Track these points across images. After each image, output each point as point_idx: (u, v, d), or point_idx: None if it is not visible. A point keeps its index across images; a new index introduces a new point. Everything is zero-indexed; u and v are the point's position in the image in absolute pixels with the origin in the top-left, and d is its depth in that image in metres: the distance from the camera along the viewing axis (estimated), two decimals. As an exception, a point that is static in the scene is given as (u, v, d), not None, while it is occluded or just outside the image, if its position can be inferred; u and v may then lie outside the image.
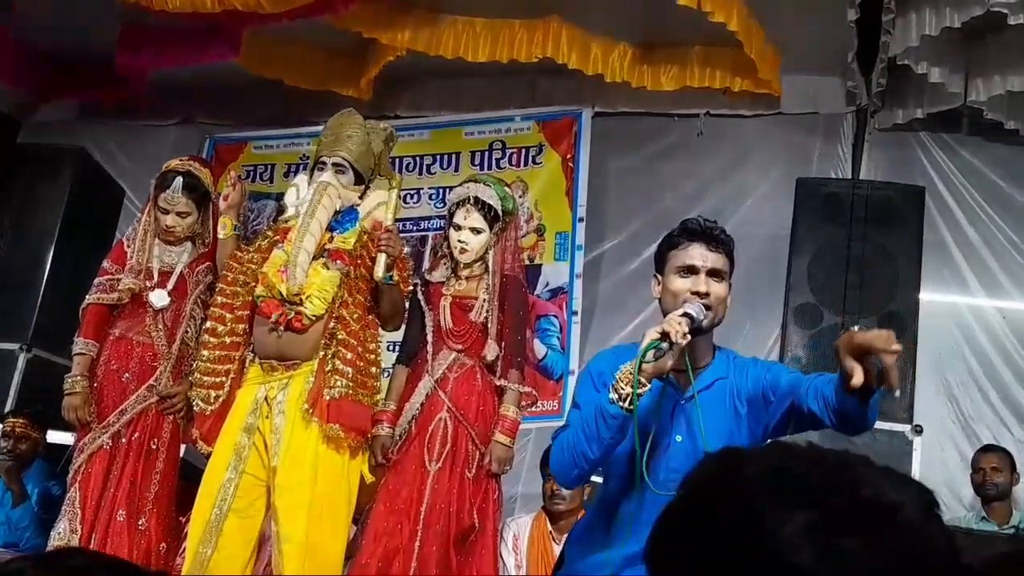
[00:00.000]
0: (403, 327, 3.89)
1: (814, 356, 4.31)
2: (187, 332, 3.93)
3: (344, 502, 3.44)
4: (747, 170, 5.81)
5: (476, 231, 3.72)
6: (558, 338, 5.41)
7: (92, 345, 3.89)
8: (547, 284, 5.59)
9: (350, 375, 3.44)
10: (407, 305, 3.83)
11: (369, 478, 3.56)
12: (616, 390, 2.29)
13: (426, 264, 5.48)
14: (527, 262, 5.26)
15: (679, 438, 2.44)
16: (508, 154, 5.95)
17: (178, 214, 3.98)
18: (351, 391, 3.43)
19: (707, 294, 2.43)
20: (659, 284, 2.56)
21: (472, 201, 3.73)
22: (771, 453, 0.93)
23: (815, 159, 5.64)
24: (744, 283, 5.37)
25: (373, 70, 5.87)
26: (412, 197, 5.96)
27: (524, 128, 5.95)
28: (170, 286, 3.96)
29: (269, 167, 6.47)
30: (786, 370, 2.51)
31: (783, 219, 4.81)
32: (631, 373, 2.27)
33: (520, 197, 5.64)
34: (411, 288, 3.82)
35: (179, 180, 3.96)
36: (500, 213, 3.75)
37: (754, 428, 2.43)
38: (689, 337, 2.30)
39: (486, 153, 6.01)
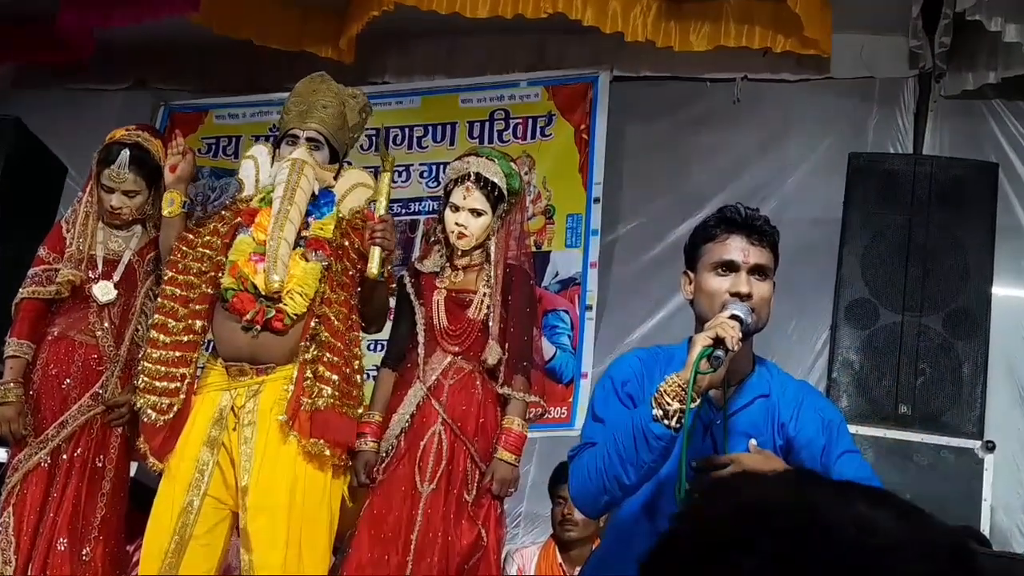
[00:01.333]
0: (387, 326, 3.90)
1: (869, 361, 4.30)
2: (137, 331, 3.90)
3: (325, 529, 3.45)
4: (791, 144, 5.80)
5: (476, 213, 3.71)
6: (569, 336, 5.40)
7: (27, 346, 3.85)
8: (556, 274, 5.58)
9: (336, 383, 3.45)
10: (392, 302, 3.83)
11: (349, 502, 3.56)
12: (660, 405, 2.25)
13: (416, 252, 5.47)
14: (534, 248, 5.24)
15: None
16: (512, 125, 5.94)
17: (125, 193, 3.95)
18: (337, 401, 3.44)
19: (750, 295, 2.41)
20: (691, 283, 2.54)
21: (472, 178, 3.72)
22: (764, 482, 0.99)
23: (870, 131, 5.62)
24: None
25: (355, 28, 5.84)
26: (400, 175, 5.94)
27: (531, 95, 5.94)
28: (116, 277, 3.93)
29: (233, 139, 6.48)
30: (846, 444, 2.49)
31: (833, 201, 4.79)
32: (682, 387, 2.24)
33: (526, 174, 5.63)
34: (394, 283, 3.83)
35: (125, 153, 3.92)
36: (505, 192, 3.74)
37: None
38: (740, 344, 2.29)
39: (486, 124, 6.00)
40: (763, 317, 2.46)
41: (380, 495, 3.57)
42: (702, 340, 2.26)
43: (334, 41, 6.01)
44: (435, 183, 5.91)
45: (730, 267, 2.45)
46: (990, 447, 4.17)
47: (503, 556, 3.84)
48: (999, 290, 4.70)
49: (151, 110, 6.48)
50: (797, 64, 5.75)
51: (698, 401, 2.27)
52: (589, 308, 5.43)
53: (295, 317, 3.47)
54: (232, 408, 3.45)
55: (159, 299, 3.63)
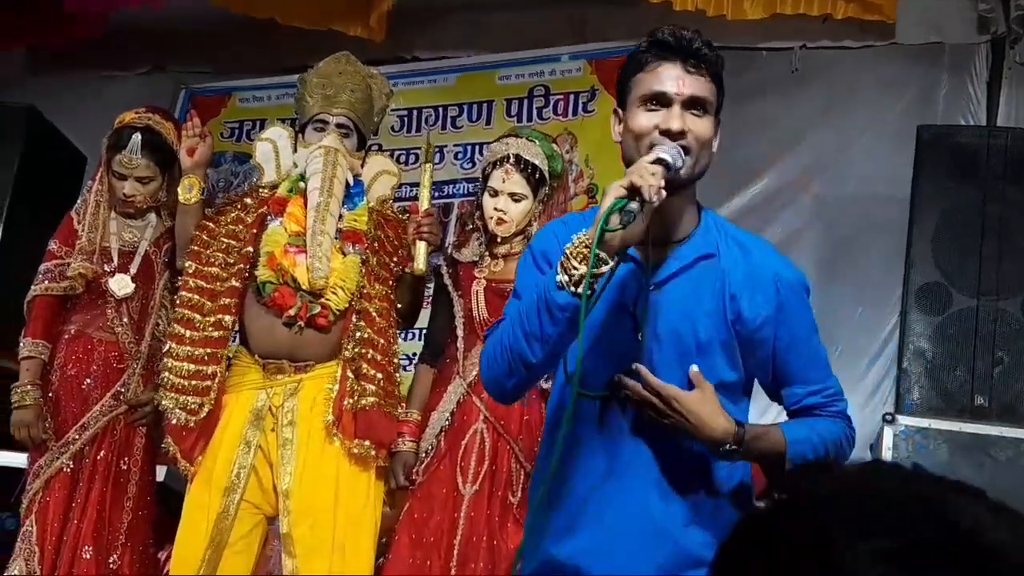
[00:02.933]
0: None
1: (942, 349, 4.26)
2: (158, 325, 3.95)
3: (370, 533, 3.51)
4: (854, 115, 5.75)
5: (516, 197, 3.73)
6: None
7: (43, 346, 3.90)
8: None
9: (380, 381, 3.50)
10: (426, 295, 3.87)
11: (388, 505, 3.60)
12: (565, 270, 2.06)
13: (450, 237, 5.49)
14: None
15: (641, 336, 2.24)
16: (553, 101, 5.94)
17: (138, 179, 3.99)
18: (381, 400, 3.49)
19: (683, 132, 2.18)
20: (620, 122, 2.31)
21: (512, 160, 3.74)
22: (859, 472, 0.95)
23: (940, 101, 5.57)
24: (852, 257, 5.46)
25: (385, 4, 5.88)
26: (434, 156, 5.96)
27: (573, 70, 5.94)
28: (133, 269, 3.99)
29: (258, 123, 6.49)
30: (801, 324, 2.35)
31: (901, 177, 4.74)
32: (587, 245, 2.04)
33: (568, 152, 5.63)
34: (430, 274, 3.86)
35: (137, 138, 3.96)
36: (546, 175, 3.75)
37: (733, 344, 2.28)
38: (664, 194, 2.04)
39: (525, 101, 6.01)
40: (703, 161, 2.25)
41: (420, 498, 3.61)
42: (614, 190, 2.03)
43: (362, 18, 6.03)
44: (470, 164, 5.94)
45: (661, 100, 2.20)
46: (1074, 440, 4.13)
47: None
48: (1082, 270, 4.64)
49: (171, 94, 6.54)
50: (859, 30, 5.70)
51: (611, 265, 2.05)
52: (636, 289, 5.41)
53: (339, 313, 3.52)
54: (269, 408, 3.50)
55: (181, 292, 3.65)
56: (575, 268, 2.04)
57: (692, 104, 2.20)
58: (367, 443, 3.44)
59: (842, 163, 5.68)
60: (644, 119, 2.20)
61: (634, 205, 2.01)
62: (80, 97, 6.62)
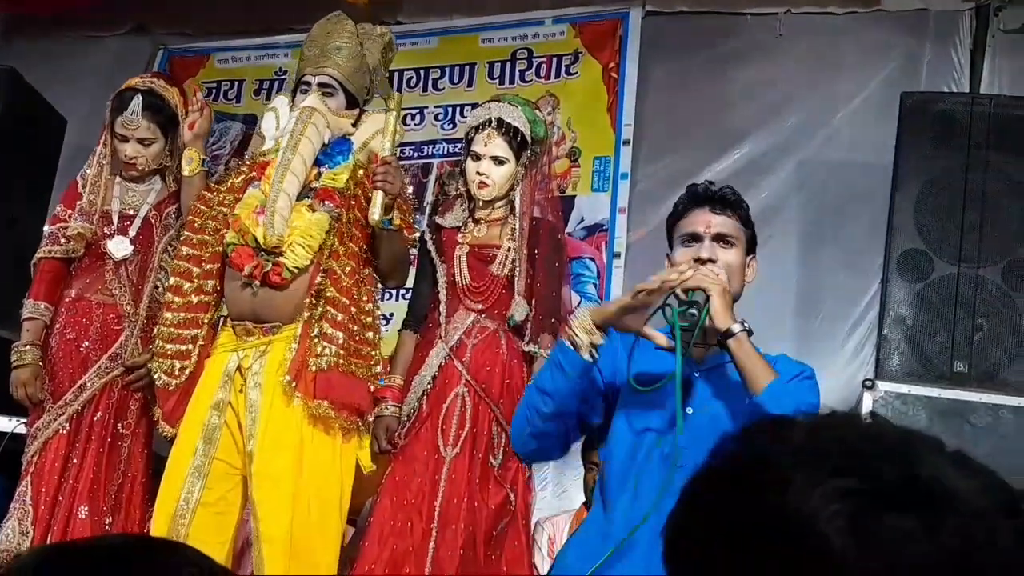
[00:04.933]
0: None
1: (922, 316, 4.30)
2: (157, 288, 3.97)
3: (336, 495, 3.52)
4: (838, 82, 5.78)
5: (499, 161, 3.76)
6: (595, 285, 5.41)
7: (44, 307, 3.96)
8: (582, 220, 5.59)
9: (340, 341, 3.50)
10: (412, 256, 3.88)
11: (368, 467, 3.62)
12: (569, 334, 2.54)
13: (429, 197, 5.52)
14: (557, 193, 5.27)
15: (690, 410, 2.57)
16: (536, 64, 5.96)
17: (139, 141, 4.04)
18: (342, 360, 3.49)
19: (711, 260, 2.64)
20: (669, 263, 2.76)
21: (494, 124, 3.78)
22: (822, 422, 0.96)
23: (924, 68, 5.59)
24: (835, 224, 5.51)
25: (367, -32, 5.87)
26: (414, 118, 6.00)
27: (556, 33, 5.96)
28: (133, 232, 4.03)
29: (236, 83, 6.54)
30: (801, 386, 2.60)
31: (884, 144, 4.78)
32: (586, 317, 2.53)
33: (549, 114, 5.65)
34: (416, 235, 3.87)
35: (138, 100, 4.01)
36: (529, 139, 3.79)
37: None
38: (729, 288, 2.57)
39: (508, 64, 6.03)
40: (733, 285, 2.65)
41: (402, 461, 3.66)
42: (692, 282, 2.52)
43: (346, -20, 6.02)
44: (451, 125, 5.97)
45: (695, 238, 2.70)
46: (1052, 406, 4.18)
47: (533, 524, 3.92)
48: (1064, 238, 4.69)
49: (148, 56, 6.52)
50: (845, -4, 5.75)
51: (601, 335, 2.54)
52: (617, 256, 5.44)
53: (295, 270, 3.52)
54: (239, 369, 3.54)
55: (175, 260, 3.73)
56: (578, 336, 2.53)
57: (719, 239, 2.69)
58: (325, 403, 3.43)
59: (826, 130, 5.72)
60: (682, 254, 2.70)
61: (691, 311, 2.50)
62: (60, 59, 6.61)
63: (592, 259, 5.45)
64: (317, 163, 3.67)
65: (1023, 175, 4.42)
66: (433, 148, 6.01)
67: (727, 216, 2.71)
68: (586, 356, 2.53)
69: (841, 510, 0.83)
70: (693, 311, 2.48)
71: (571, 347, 2.53)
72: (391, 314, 4.86)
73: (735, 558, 0.88)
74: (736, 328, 2.50)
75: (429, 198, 5.63)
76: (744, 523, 0.88)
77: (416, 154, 5.95)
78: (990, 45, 5.51)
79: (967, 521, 0.83)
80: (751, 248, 2.78)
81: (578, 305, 5.07)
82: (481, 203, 3.82)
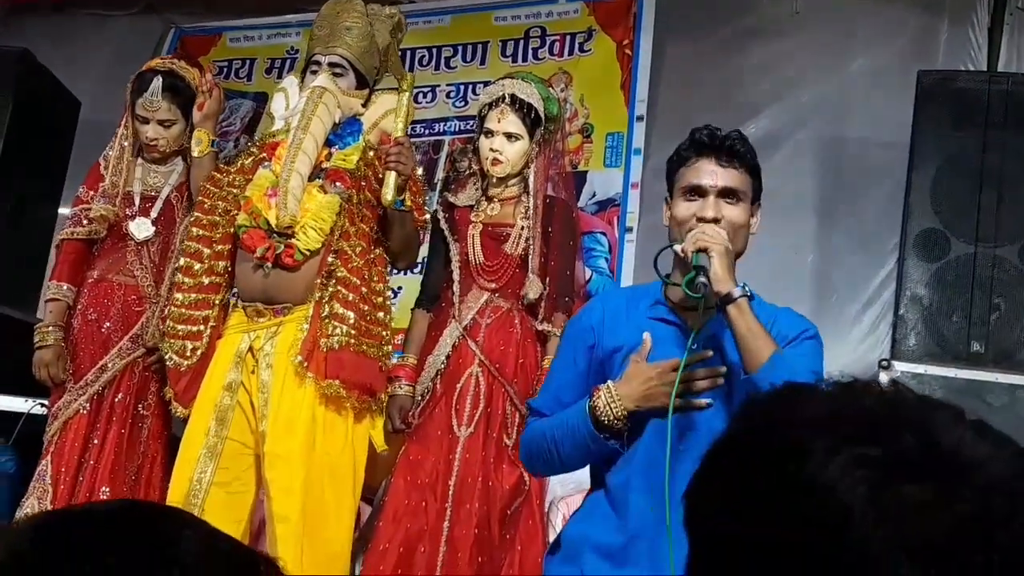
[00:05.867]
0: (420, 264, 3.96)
1: (939, 296, 4.30)
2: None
3: (349, 474, 3.55)
4: (853, 60, 5.76)
5: (512, 137, 3.77)
6: (606, 259, 5.38)
7: (67, 289, 4.01)
8: (594, 195, 5.58)
9: (352, 321, 3.52)
10: (423, 237, 3.89)
11: (382, 447, 3.65)
12: (598, 414, 2.42)
13: (440, 174, 5.52)
14: (569, 168, 5.28)
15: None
16: (549, 42, 5.95)
17: (160, 123, 4.07)
18: (353, 340, 3.51)
19: (716, 219, 2.49)
20: (668, 209, 2.64)
21: (507, 100, 3.79)
22: (841, 391, 0.96)
23: (941, 47, 5.57)
24: (852, 202, 5.50)
25: (380, -54, 5.86)
26: (426, 96, 5.99)
27: (570, 11, 5.94)
28: (154, 213, 4.07)
29: (247, 62, 6.54)
30: (804, 350, 2.53)
31: (900, 122, 4.77)
32: (614, 398, 2.41)
33: (562, 91, 5.65)
34: (426, 216, 3.88)
35: (158, 81, 4.04)
36: (542, 116, 3.79)
37: None
38: (730, 246, 2.45)
39: (521, 42, 6.02)
40: (738, 243, 2.54)
41: (416, 440, 3.68)
42: (690, 245, 2.42)
43: (357, -40, 6.01)
44: (463, 103, 5.96)
45: (698, 191, 2.53)
46: (1069, 385, 4.17)
47: (547, 504, 3.93)
48: (1082, 218, 4.67)
49: (159, 35, 6.52)
50: (862, -26, 5.73)
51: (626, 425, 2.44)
52: (629, 230, 5.42)
53: (307, 253, 3.55)
54: (250, 350, 3.56)
55: (186, 242, 3.76)
56: (614, 420, 2.41)
57: (725, 194, 2.53)
58: (336, 383, 3.46)
59: (843, 107, 5.71)
60: (684, 208, 2.54)
61: (701, 279, 2.34)
62: (71, 39, 6.64)
63: (604, 233, 5.44)
64: (328, 143, 3.69)
65: (1041, 154, 4.41)
66: (445, 125, 6.00)
67: (735, 168, 2.55)
68: (616, 445, 2.45)
69: (860, 478, 0.83)
70: (703, 279, 2.35)
71: (605, 436, 2.43)
72: (399, 287, 4.86)
73: (753, 525, 0.88)
74: (736, 292, 2.38)
75: (440, 174, 5.65)
76: (762, 491, 0.88)
77: (428, 131, 5.94)
78: (1008, 23, 5.48)
79: (986, 491, 0.83)
80: (756, 197, 2.64)
81: (590, 278, 5.08)
82: (494, 180, 3.82)
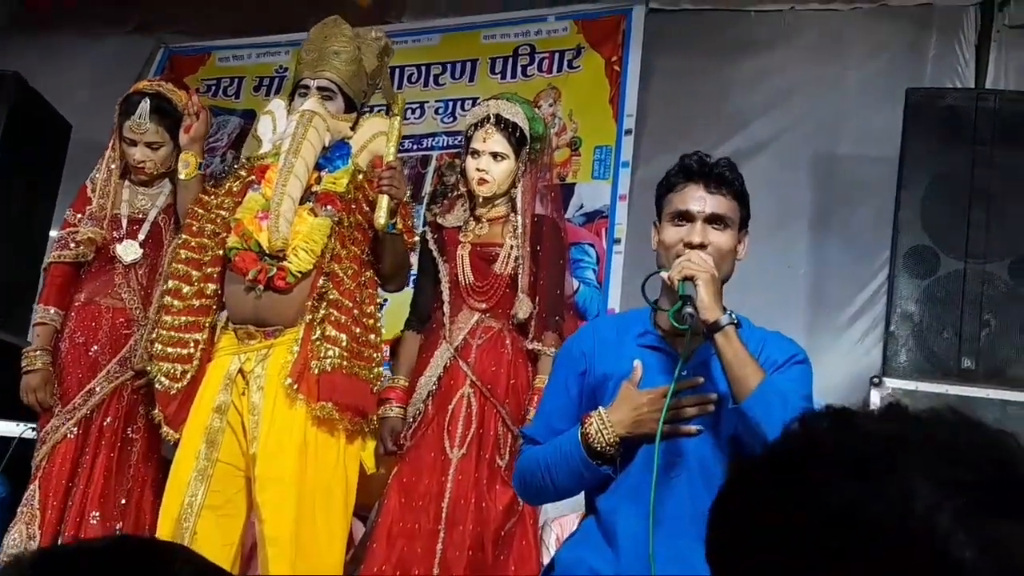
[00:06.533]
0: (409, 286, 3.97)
1: (929, 312, 4.32)
2: None
3: (341, 496, 3.55)
4: (842, 75, 5.79)
5: (498, 157, 3.79)
6: (594, 271, 5.42)
7: (55, 313, 4.00)
8: (581, 206, 5.62)
9: (344, 343, 3.53)
10: (412, 259, 3.90)
11: (372, 469, 3.66)
12: (590, 441, 2.43)
13: (427, 187, 5.54)
14: (557, 180, 5.30)
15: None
16: (538, 59, 5.99)
17: (148, 145, 4.07)
18: (345, 362, 3.52)
19: (703, 245, 2.52)
20: (656, 233, 2.66)
21: (492, 120, 3.81)
22: (892, 412, 0.94)
23: (929, 64, 5.60)
24: (841, 216, 5.51)
25: (371, -34, 5.89)
26: (414, 112, 6.02)
27: (559, 29, 5.99)
28: (142, 236, 4.07)
29: (236, 80, 6.59)
30: (792, 375, 2.52)
31: (889, 138, 4.80)
32: (605, 425, 2.42)
33: (551, 106, 5.72)
34: (416, 239, 3.90)
35: (146, 103, 4.05)
36: (528, 135, 3.81)
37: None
38: (716, 272, 2.46)
39: (510, 59, 6.06)
40: (724, 269, 2.55)
41: (408, 462, 3.68)
42: (676, 273, 2.43)
43: (350, -18, 6.03)
44: (451, 119, 6.00)
45: (686, 217, 2.55)
46: (1060, 401, 4.18)
47: (541, 524, 3.93)
48: (1071, 234, 4.69)
49: (150, 53, 6.54)
50: (850, -9, 5.76)
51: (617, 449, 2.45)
52: (618, 242, 5.45)
53: (299, 275, 3.55)
54: (240, 372, 3.56)
55: (173, 264, 3.75)
56: (606, 446, 2.43)
57: (713, 220, 2.55)
58: (329, 405, 3.47)
59: (832, 122, 5.74)
60: (672, 234, 2.56)
61: (687, 309, 2.36)
62: (60, 57, 6.63)
63: (592, 245, 5.48)
64: (317, 167, 3.70)
65: (1029, 170, 4.44)
66: (433, 140, 6.03)
67: (722, 195, 2.57)
68: (609, 471, 2.47)
69: (959, 515, 0.81)
70: (690, 310, 2.38)
71: (597, 463, 2.45)
72: (385, 300, 4.87)
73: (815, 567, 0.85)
74: (724, 320, 2.39)
75: (427, 187, 5.68)
76: (827, 531, 0.85)
77: (416, 147, 5.97)
78: (995, 40, 5.52)
79: None
80: (743, 224, 2.65)
81: (577, 289, 5.08)
82: (481, 200, 3.84)
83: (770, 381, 2.37)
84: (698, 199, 2.55)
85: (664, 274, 2.51)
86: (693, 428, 2.40)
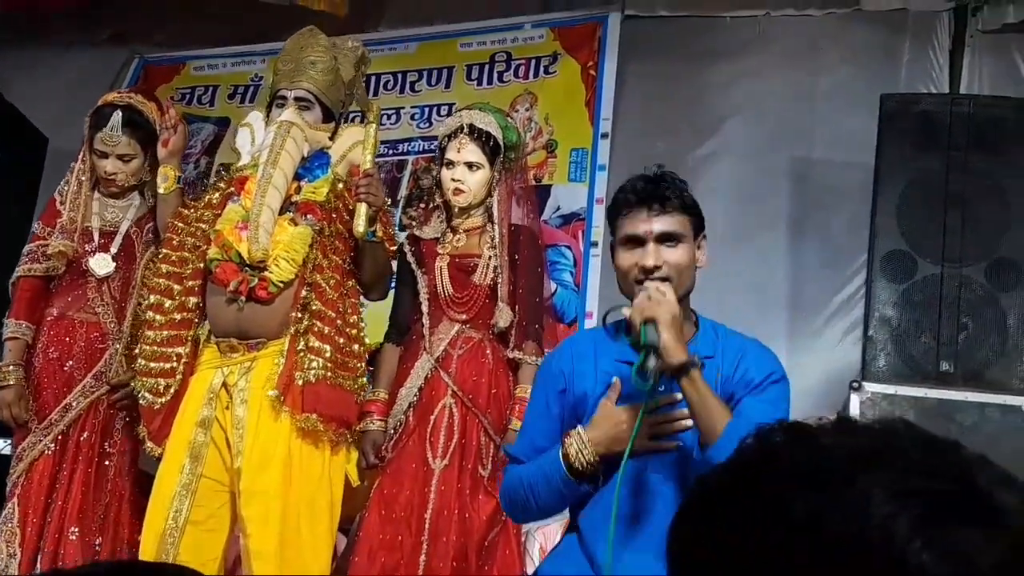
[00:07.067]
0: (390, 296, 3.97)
1: (907, 316, 4.35)
2: (140, 305, 3.97)
3: (326, 508, 3.55)
4: (817, 83, 5.83)
5: (473, 167, 3.81)
6: (571, 273, 5.44)
7: (25, 327, 3.97)
8: (558, 208, 5.63)
9: (328, 354, 3.53)
10: (393, 268, 3.90)
11: (356, 482, 3.65)
12: (571, 461, 2.46)
13: (403, 191, 5.55)
14: (533, 182, 5.31)
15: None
16: (514, 66, 6.02)
17: (119, 157, 4.06)
18: (330, 373, 3.52)
19: (657, 267, 2.54)
20: (612, 255, 2.70)
21: (466, 130, 3.82)
22: (851, 426, 0.96)
23: (903, 69, 5.65)
24: (817, 221, 5.54)
25: (347, -21, 5.87)
26: (390, 117, 6.02)
27: (535, 37, 6.01)
28: (114, 249, 4.05)
29: (211, 88, 6.58)
30: (769, 396, 2.53)
31: (864, 144, 4.83)
32: (584, 444, 2.45)
33: (527, 110, 5.75)
34: (396, 247, 3.91)
35: (117, 115, 4.03)
36: (502, 145, 3.83)
37: None
38: (677, 310, 2.44)
39: (486, 66, 6.08)
40: (685, 282, 2.58)
41: (390, 474, 3.68)
42: (637, 316, 2.41)
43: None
44: (426, 124, 6.01)
45: (637, 241, 2.58)
46: (1037, 405, 4.21)
47: (524, 533, 3.94)
48: (1044, 237, 4.73)
49: (124, 62, 6.53)
50: (824, -3, 5.81)
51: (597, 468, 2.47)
52: (595, 244, 5.44)
53: (280, 285, 3.55)
54: (224, 385, 3.55)
55: (154, 278, 3.74)
56: (584, 462, 2.46)
57: (664, 239, 2.56)
58: (314, 417, 3.46)
59: (807, 127, 5.78)
60: (626, 258, 2.59)
61: (652, 362, 2.32)
62: (32, 66, 6.60)
63: (568, 247, 5.49)
64: (297, 177, 3.70)
65: (1003, 175, 4.47)
66: (409, 145, 6.04)
67: (668, 214, 2.58)
68: (590, 489, 2.50)
69: (916, 525, 0.83)
70: (652, 363, 2.33)
71: (577, 481, 2.48)
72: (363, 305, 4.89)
73: (775, 561, 0.86)
74: (688, 364, 2.38)
75: (403, 191, 5.69)
76: (789, 542, 0.86)
77: (392, 151, 5.96)
78: (969, 45, 5.56)
79: (1018, 534, 0.85)
80: (699, 231, 2.66)
81: (554, 292, 5.09)
82: (457, 211, 3.85)
83: (734, 424, 2.35)
84: (644, 222, 2.57)
85: (625, 311, 2.51)
86: (670, 444, 2.43)
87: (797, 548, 0.86)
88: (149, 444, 3.65)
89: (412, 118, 6.09)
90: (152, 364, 3.63)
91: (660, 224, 2.56)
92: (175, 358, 3.62)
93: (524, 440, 2.74)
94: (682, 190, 2.63)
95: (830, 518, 0.85)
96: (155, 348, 3.64)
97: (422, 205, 5.41)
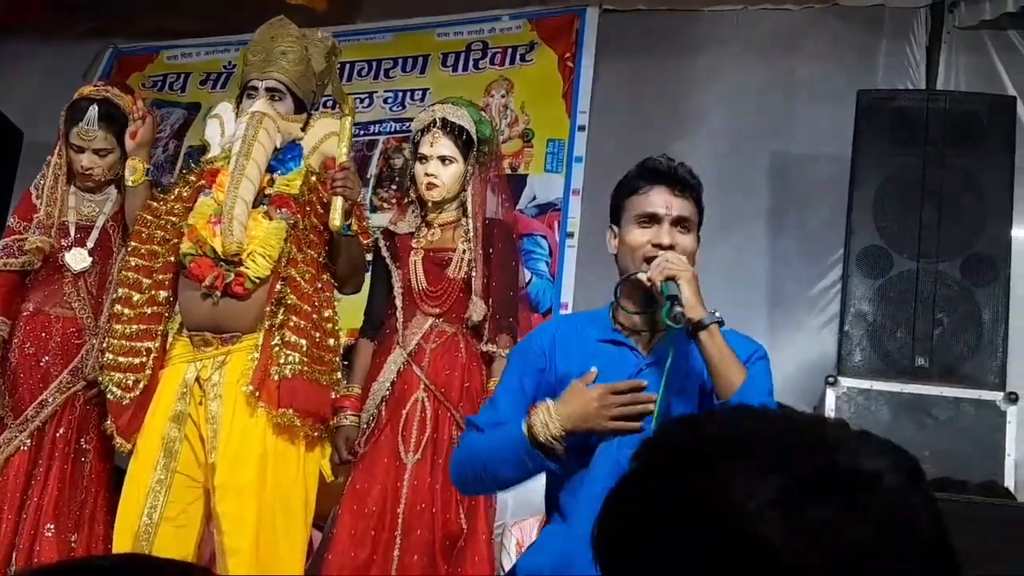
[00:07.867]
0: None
1: (883, 312, 4.38)
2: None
3: (301, 505, 3.54)
4: (795, 79, 5.84)
5: (446, 161, 3.81)
6: (547, 263, 5.44)
7: (1, 322, 3.94)
8: (534, 198, 5.63)
9: (304, 348, 3.51)
10: (367, 262, 3.89)
11: (331, 477, 3.65)
12: (535, 432, 2.44)
13: (373, 170, 5.54)
14: (508, 171, 5.30)
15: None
16: (490, 54, 6.02)
17: (95, 152, 4.02)
18: (306, 368, 3.50)
19: (672, 246, 2.57)
20: (615, 236, 2.70)
21: (438, 124, 3.83)
22: (736, 414, 1.04)
23: (880, 65, 5.66)
24: (795, 215, 5.56)
25: (325, -27, 5.86)
26: (363, 101, 6.00)
27: (512, 27, 6.01)
28: (91, 243, 4.02)
29: (182, 75, 6.57)
30: (756, 371, 2.56)
31: (841, 138, 4.85)
32: (552, 417, 2.43)
33: (503, 97, 5.77)
34: (371, 241, 3.90)
35: (93, 110, 3.99)
36: (475, 138, 3.83)
37: None
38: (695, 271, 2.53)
39: (462, 54, 6.07)
40: None
41: (363, 469, 3.68)
42: (657, 275, 2.48)
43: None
44: (399, 107, 6.01)
45: (653, 219, 2.61)
46: (1013, 399, 4.18)
47: (500, 528, 3.94)
48: (1019, 232, 4.74)
49: (97, 52, 6.50)
50: (802, -9, 5.82)
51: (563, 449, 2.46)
52: (571, 235, 5.46)
53: (257, 280, 3.53)
54: (197, 380, 3.53)
55: (122, 272, 3.72)
56: (550, 439, 2.43)
57: (678, 222, 2.61)
58: (290, 412, 3.44)
59: (785, 120, 5.79)
60: (638, 235, 2.61)
61: (678, 308, 2.41)
62: (11, 66, 6.58)
63: (544, 236, 5.50)
64: (269, 169, 3.67)
65: (979, 170, 4.50)
66: (380, 127, 6.02)
67: (687, 199, 2.63)
68: (554, 466, 2.50)
69: (772, 502, 0.90)
70: (679, 309, 2.42)
71: (541, 454, 2.46)
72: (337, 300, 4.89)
73: (668, 551, 0.94)
74: (708, 319, 2.44)
75: (373, 169, 5.67)
76: (673, 520, 0.94)
77: (363, 132, 5.91)
78: (946, 41, 5.59)
79: (887, 503, 0.92)
80: (699, 225, 2.71)
81: (529, 281, 5.09)
82: (431, 205, 3.85)
83: (752, 379, 2.43)
84: (665, 201, 2.60)
85: (643, 275, 2.54)
86: (637, 425, 2.45)
87: (681, 527, 0.94)
88: (118, 440, 3.62)
89: (385, 101, 6.09)
90: (121, 358, 3.60)
91: (679, 207, 2.61)
92: (144, 352, 3.60)
93: (489, 411, 2.71)
94: (700, 184, 2.69)
95: (700, 500, 0.93)
96: (124, 342, 3.61)
97: (393, 187, 5.43)
